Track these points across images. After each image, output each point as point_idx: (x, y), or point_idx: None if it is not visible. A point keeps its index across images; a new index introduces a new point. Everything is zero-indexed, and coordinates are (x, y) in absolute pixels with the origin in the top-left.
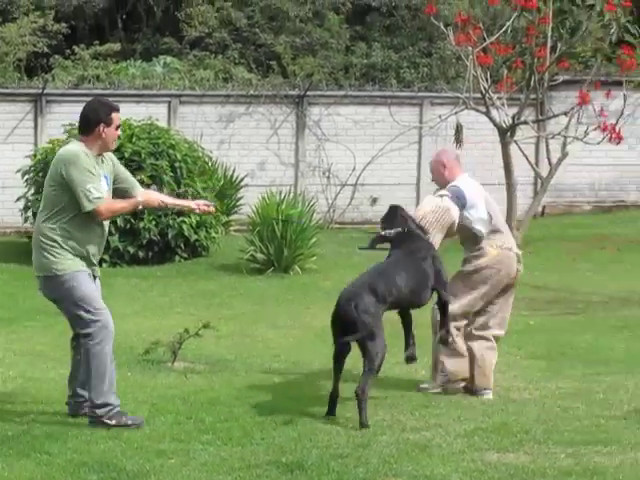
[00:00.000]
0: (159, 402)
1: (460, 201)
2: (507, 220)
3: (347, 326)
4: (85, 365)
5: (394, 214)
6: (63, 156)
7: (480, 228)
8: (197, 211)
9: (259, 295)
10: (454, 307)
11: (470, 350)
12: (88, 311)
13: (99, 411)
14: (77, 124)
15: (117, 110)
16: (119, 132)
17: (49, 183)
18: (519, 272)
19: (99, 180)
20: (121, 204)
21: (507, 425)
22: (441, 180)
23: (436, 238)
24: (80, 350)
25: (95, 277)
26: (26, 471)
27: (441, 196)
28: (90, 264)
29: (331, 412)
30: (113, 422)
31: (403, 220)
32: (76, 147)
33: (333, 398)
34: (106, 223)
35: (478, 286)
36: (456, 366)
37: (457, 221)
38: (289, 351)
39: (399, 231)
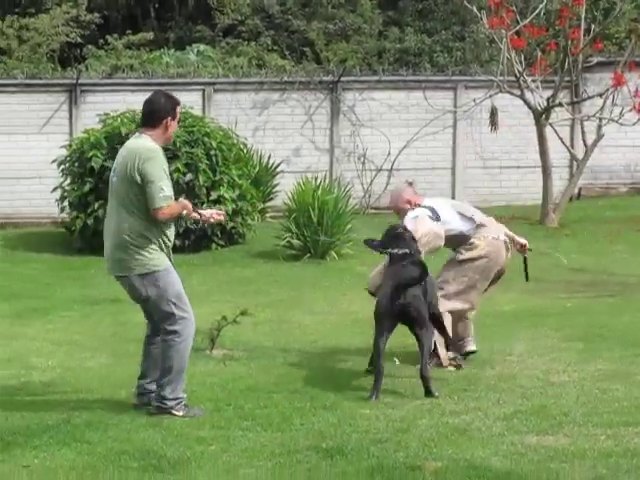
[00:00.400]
0: (198, 389)
1: (433, 219)
2: (543, 203)
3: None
4: (164, 361)
5: (400, 236)
6: (140, 151)
7: (463, 229)
8: (211, 220)
9: (296, 281)
10: (449, 291)
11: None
12: (180, 308)
13: (170, 403)
14: (141, 117)
15: (179, 103)
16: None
17: (124, 180)
18: (507, 259)
19: (169, 178)
20: (177, 208)
21: (546, 408)
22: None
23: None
24: (157, 346)
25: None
26: (67, 460)
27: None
28: (170, 256)
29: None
30: (181, 413)
31: (410, 242)
32: (151, 142)
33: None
34: None
35: (470, 274)
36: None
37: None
38: (326, 337)
39: (406, 252)
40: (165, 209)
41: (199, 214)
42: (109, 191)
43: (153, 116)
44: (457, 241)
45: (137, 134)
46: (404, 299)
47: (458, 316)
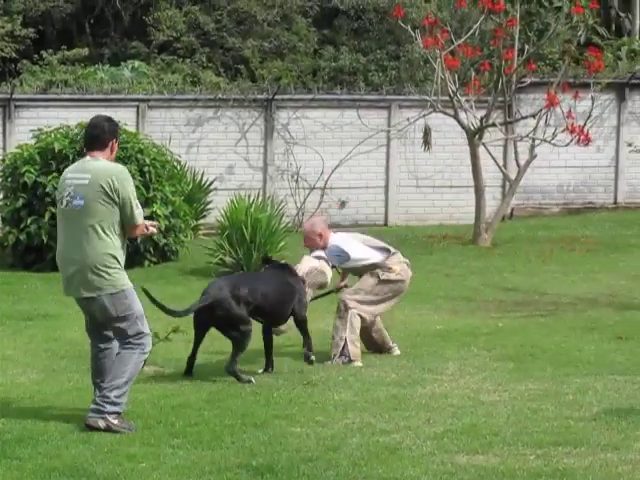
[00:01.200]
0: (129, 406)
1: (342, 257)
2: (476, 222)
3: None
4: (119, 367)
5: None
6: (115, 171)
7: (377, 260)
8: (146, 231)
9: None
10: (363, 299)
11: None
12: (144, 324)
13: (110, 408)
14: (87, 141)
15: (119, 126)
16: None
17: (97, 201)
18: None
19: None
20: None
21: (476, 427)
22: (316, 246)
23: (307, 294)
24: (107, 357)
25: None
26: None
27: (318, 258)
28: None
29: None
30: (115, 422)
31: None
32: (115, 163)
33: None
34: None
35: (385, 290)
36: (357, 350)
37: (329, 281)
38: (258, 354)
39: (284, 264)
40: (141, 225)
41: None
42: (64, 218)
43: (99, 139)
44: (373, 268)
45: (88, 157)
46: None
47: (367, 326)
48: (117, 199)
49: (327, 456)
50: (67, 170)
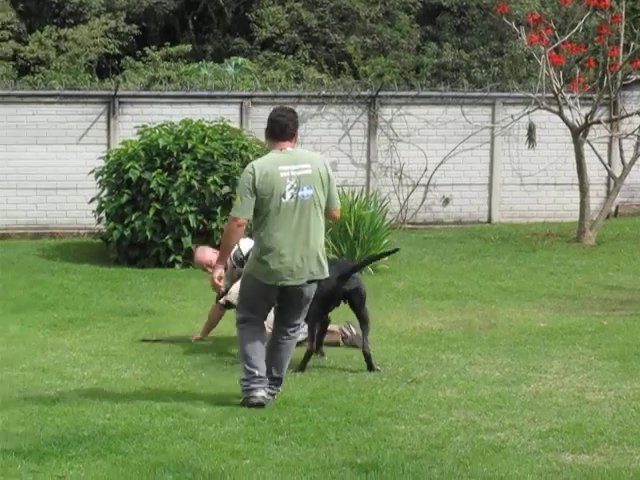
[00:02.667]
0: (234, 402)
1: None
2: (580, 220)
3: None
4: (288, 355)
5: None
6: (322, 159)
7: None
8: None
9: None
10: None
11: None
12: None
13: (280, 388)
14: (282, 132)
15: None
16: None
17: (321, 187)
18: None
19: None
20: None
21: (582, 426)
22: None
23: None
24: (284, 344)
25: None
26: (102, 471)
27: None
28: None
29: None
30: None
31: None
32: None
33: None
34: None
35: None
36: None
37: None
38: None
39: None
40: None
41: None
42: (289, 210)
43: (293, 130)
44: None
45: (288, 148)
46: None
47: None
48: (329, 185)
49: (431, 454)
50: (269, 164)
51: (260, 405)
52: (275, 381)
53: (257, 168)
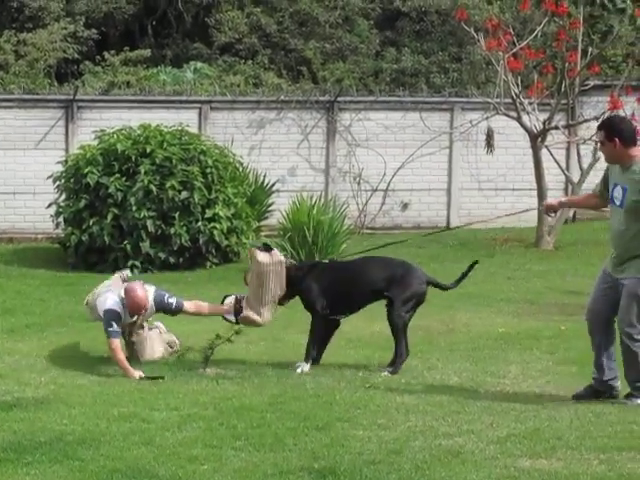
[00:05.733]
0: (191, 408)
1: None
2: (538, 225)
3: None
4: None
5: None
6: None
7: None
8: None
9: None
10: None
11: None
12: None
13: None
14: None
15: None
16: None
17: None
18: None
19: None
20: None
21: (540, 431)
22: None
23: None
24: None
25: None
26: (59, 478)
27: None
28: None
29: None
30: None
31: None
32: None
33: None
34: None
35: None
36: None
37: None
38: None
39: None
40: None
41: None
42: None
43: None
44: None
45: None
46: None
47: None
48: None
49: (389, 459)
50: None
51: None
52: None
53: None
